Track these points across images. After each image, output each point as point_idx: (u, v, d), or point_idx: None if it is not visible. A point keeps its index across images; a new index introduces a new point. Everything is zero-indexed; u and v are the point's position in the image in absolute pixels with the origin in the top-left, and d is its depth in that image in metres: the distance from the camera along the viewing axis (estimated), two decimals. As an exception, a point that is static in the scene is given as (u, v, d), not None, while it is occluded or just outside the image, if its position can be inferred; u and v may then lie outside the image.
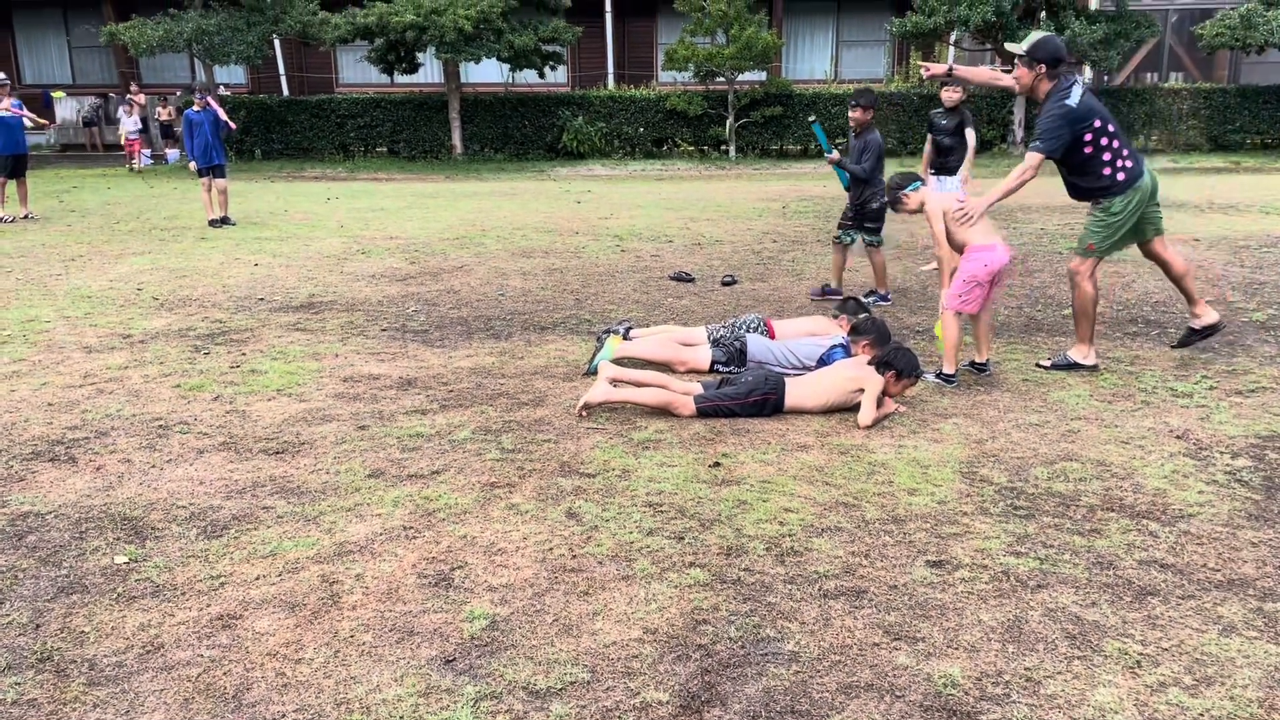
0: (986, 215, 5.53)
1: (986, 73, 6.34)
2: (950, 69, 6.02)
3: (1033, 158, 5.43)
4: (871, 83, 24.39)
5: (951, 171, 8.80)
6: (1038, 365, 5.79)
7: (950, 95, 8.70)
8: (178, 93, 25.05)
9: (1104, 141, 5.43)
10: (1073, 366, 5.69)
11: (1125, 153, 5.47)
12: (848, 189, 7.79)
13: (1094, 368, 5.69)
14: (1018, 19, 19.53)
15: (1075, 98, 5.37)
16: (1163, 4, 26.74)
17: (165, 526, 3.72)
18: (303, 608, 3.11)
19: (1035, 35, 5.56)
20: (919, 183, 5.78)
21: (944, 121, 8.74)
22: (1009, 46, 5.76)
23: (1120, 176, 5.46)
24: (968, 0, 19.35)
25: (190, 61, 25.27)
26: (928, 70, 5.97)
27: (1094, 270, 5.66)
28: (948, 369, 5.48)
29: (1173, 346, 6.12)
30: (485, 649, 2.87)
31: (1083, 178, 5.55)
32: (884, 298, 7.72)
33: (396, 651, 2.86)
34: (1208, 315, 5.92)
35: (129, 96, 22.16)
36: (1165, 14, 26.77)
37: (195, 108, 12.50)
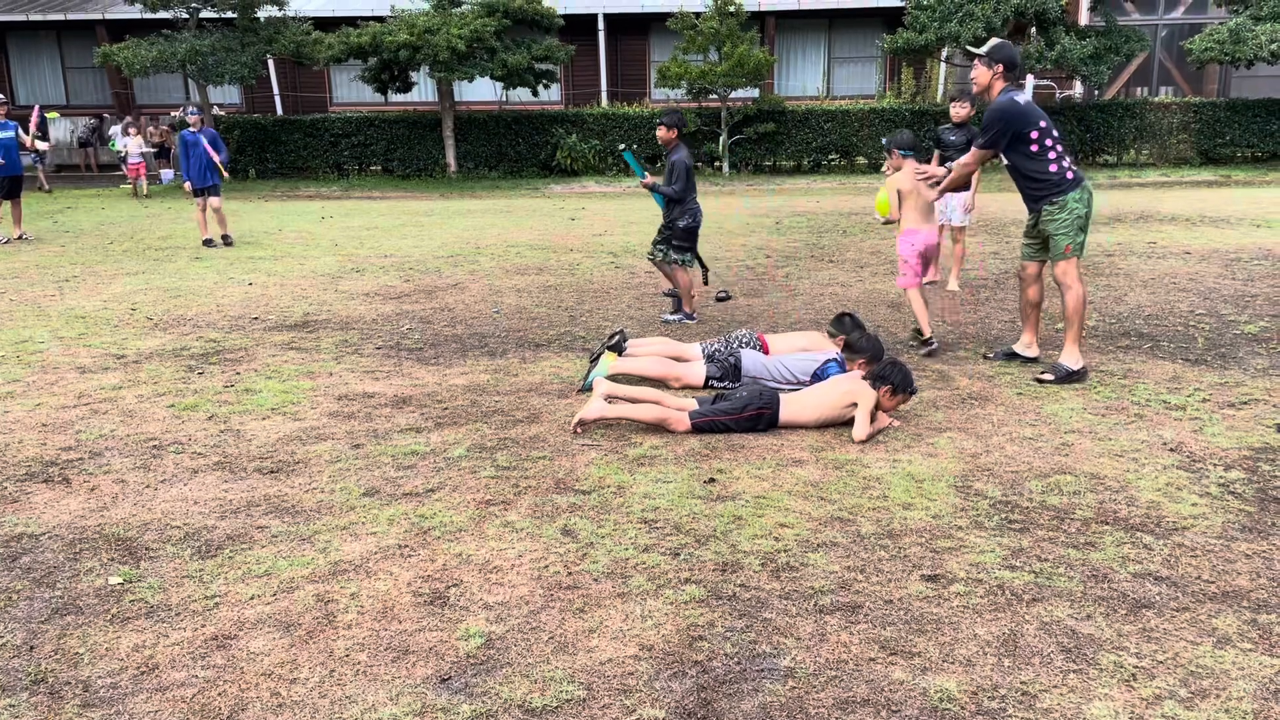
0: (921, 202, 6.42)
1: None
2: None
3: (973, 154, 6.12)
4: (864, 98, 24.52)
5: (957, 188, 8.85)
6: (1037, 379, 5.81)
7: (959, 111, 8.76)
8: (171, 114, 25.09)
9: (1048, 143, 5.75)
10: (1070, 376, 5.75)
11: (1068, 160, 5.81)
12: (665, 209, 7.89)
13: (1083, 371, 5.81)
14: (1008, 34, 19.66)
15: (1021, 99, 5.77)
16: (1152, 19, 26.95)
17: (159, 547, 3.71)
18: (298, 627, 3.10)
19: (995, 40, 5.96)
20: (911, 153, 6.51)
21: (953, 138, 8.80)
22: (969, 48, 5.98)
23: (1069, 175, 5.75)
24: (958, 17, 19.47)
25: (184, 82, 25.32)
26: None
27: (1079, 271, 5.86)
28: (925, 333, 6.54)
29: (985, 356, 6.41)
30: (481, 667, 2.86)
31: (1034, 174, 5.79)
32: (690, 316, 7.70)
33: (392, 670, 2.85)
34: (1033, 350, 6.24)
35: (128, 119, 22.17)
36: (1155, 29, 26.95)
37: (190, 128, 12.51)
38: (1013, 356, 6.27)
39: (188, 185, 12.58)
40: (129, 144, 20.81)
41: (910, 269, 6.47)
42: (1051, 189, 5.74)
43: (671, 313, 7.72)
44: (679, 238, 7.61)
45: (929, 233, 6.49)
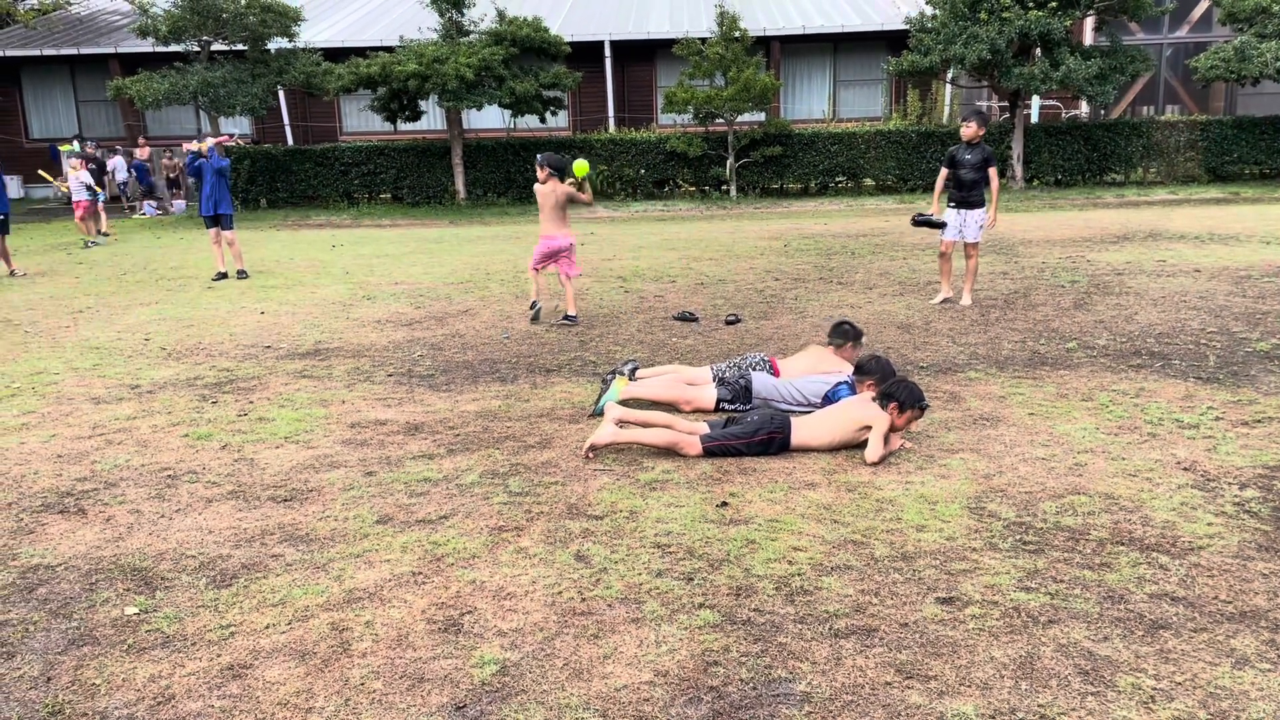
0: (558, 214, 8.57)
1: None
2: None
3: None
4: (870, 120, 24.61)
5: (973, 205, 8.90)
6: None
7: (968, 131, 8.80)
8: (181, 145, 25.26)
9: None
10: None
11: None
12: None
13: None
14: (1013, 56, 19.72)
15: None
16: (1157, 39, 27.02)
17: (175, 576, 3.72)
18: (313, 656, 3.11)
19: None
20: (556, 173, 8.57)
21: (967, 156, 8.84)
22: None
23: None
24: (963, 39, 19.56)
25: (196, 113, 25.57)
26: None
27: None
28: (571, 311, 8.68)
29: None
30: (496, 695, 2.86)
31: None
32: None
33: (407, 699, 2.85)
34: None
35: (116, 148, 22.24)
36: (1160, 48, 27.03)
37: (217, 154, 12.43)
38: None
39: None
40: (74, 176, 17.07)
41: (539, 255, 8.84)
42: None
43: None
44: None
45: (561, 237, 8.68)
